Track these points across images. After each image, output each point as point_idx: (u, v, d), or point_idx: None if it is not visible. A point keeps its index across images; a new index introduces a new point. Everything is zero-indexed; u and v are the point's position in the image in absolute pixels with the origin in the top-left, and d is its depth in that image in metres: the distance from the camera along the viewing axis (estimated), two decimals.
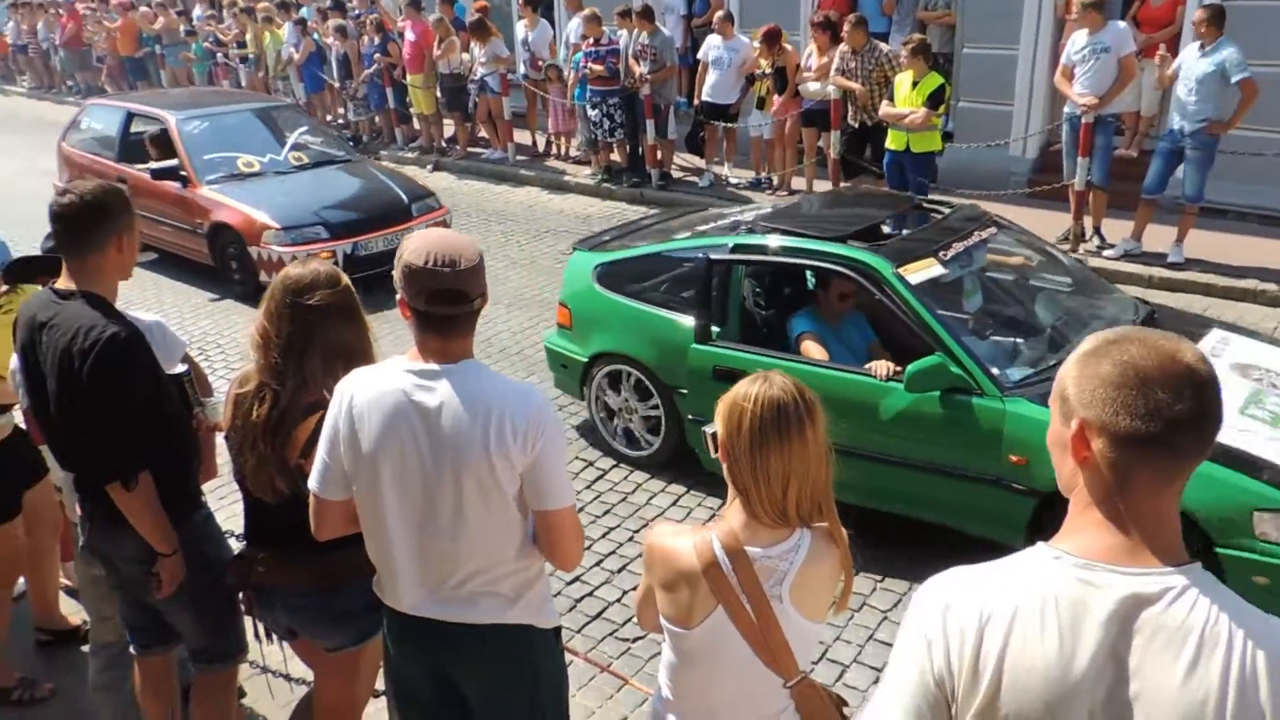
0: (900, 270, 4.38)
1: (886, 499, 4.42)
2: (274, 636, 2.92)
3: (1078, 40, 7.75)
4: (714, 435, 2.02)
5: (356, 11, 13.86)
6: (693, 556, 1.95)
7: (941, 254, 4.58)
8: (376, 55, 12.69)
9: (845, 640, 3.98)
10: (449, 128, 12.98)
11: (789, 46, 9.80)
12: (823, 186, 9.62)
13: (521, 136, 12.54)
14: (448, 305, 2.13)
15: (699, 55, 10.52)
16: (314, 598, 2.72)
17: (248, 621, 2.96)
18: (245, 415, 2.61)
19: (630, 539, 4.74)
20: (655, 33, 10.35)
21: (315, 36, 13.77)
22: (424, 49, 12.19)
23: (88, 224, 2.68)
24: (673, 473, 5.21)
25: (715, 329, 4.86)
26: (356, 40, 13.31)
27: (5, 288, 3.43)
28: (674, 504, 5.02)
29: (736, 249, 4.90)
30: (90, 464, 2.74)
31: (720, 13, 10.33)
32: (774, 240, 4.86)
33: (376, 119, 13.45)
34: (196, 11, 17.30)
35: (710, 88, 10.19)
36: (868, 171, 8.87)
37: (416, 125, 13.25)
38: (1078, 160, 7.85)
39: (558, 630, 2.45)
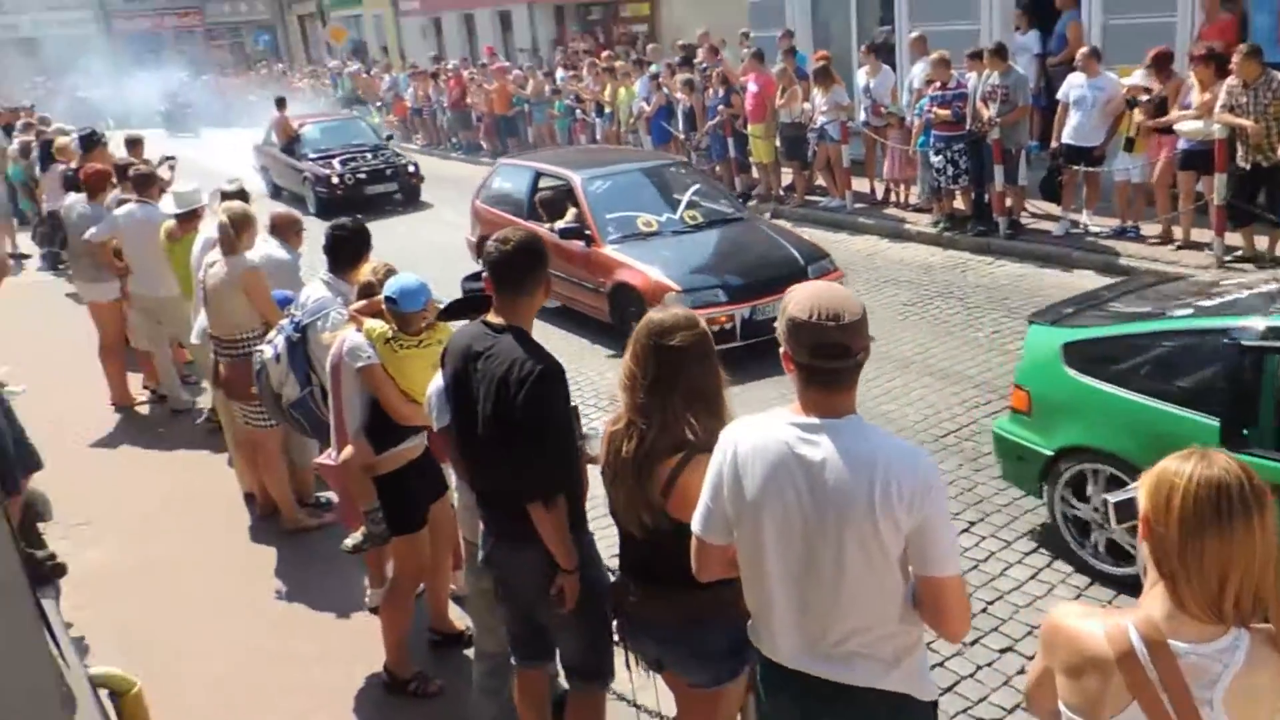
0: None
1: None
2: (642, 666, 3.07)
3: None
4: (1121, 505, 1.88)
5: (704, 65, 14.53)
6: (1104, 643, 1.80)
7: None
8: (720, 107, 13.21)
9: None
10: (787, 176, 13.20)
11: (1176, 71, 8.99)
12: (1203, 236, 8.69)
13: (860, 184, 12.47)
14: (832, 359, 2.16)
15: (1059, 95, 9.91)
16: (680, 632, 2.82)
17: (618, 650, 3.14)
18: (616, 451, 2.79)
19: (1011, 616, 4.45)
20: (1008, 72, 9.92)
21: (665, 91, 14.60)
22: (766, 99, 12.52)
23: (523, 268, 3.04)
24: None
25: (1245, 431, 3.97)
26: (702, 94, 13.96)
27: (425, 324, 3.93)
28: (1062, 582, 4.64)
29: (1274, 333, 3.95)
30: (515, 483, 3.01)
31: (1084, 49, 9.69)
32: None
33: (717, 168, 13.98)
34: (559, 74, 18.98)
35: (1071, 129, 9.56)
36: (1260, 220, 7.90)
37: (755, 174, 13.60)
38: None
39: (934, 705, 2.37)
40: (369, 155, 16.17)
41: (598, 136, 16.66)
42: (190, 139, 27.42)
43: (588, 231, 8.59)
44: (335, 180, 15.33)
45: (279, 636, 4.67)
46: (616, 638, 3.10)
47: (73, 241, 7.69)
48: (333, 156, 15.95)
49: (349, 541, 4.26)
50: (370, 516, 4.05)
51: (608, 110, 16.19)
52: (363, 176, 15.57)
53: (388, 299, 3.82)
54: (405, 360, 3.86)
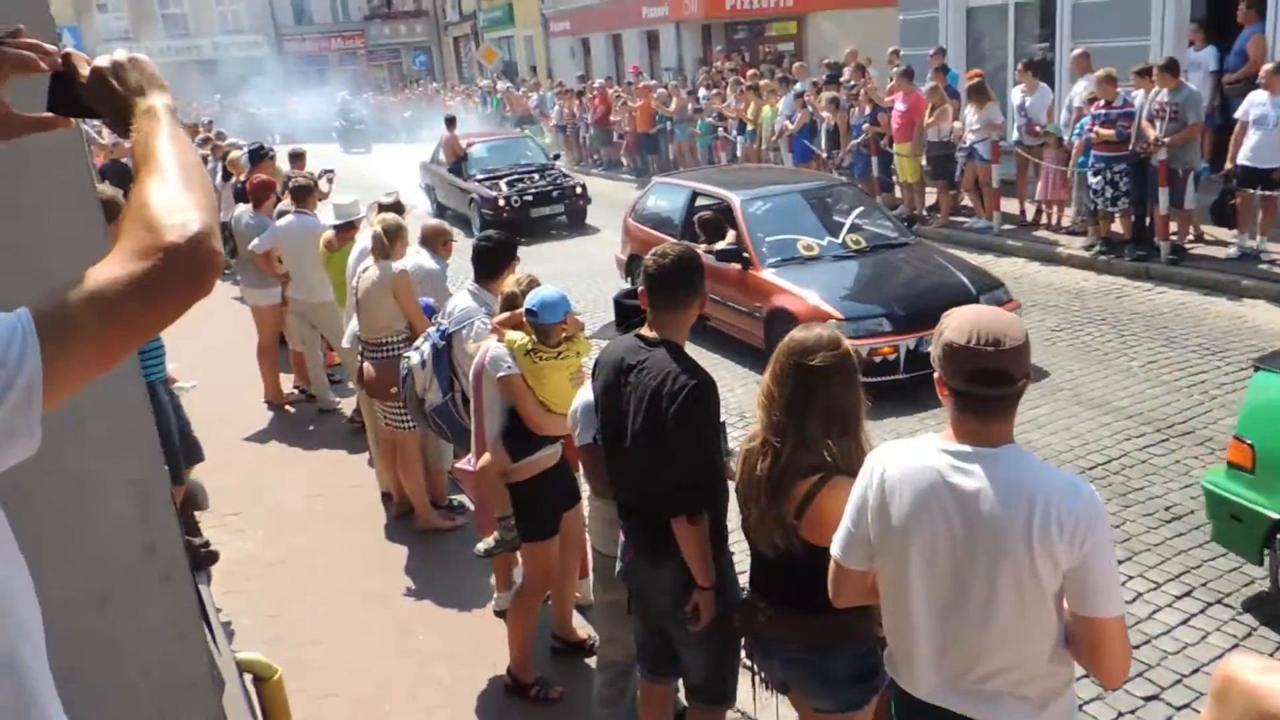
0: None
1: None
2: (768, 687, 2.99)
3: None
4: None
5: (852, 84, 14.32)
6: None
7: None
8: (866, 125, 12.97)
9: None
10: (930, 195, 12.84)
11: None
12: None
13: (1008, 205, 12.00)
14: (989, 386, 2.05)
15: (1237, 114, 9.27)
16: (807, 654, 2.75)
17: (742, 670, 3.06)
18: (751, 469, 2.73)
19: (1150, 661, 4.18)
20: (1178, 89, 9.35)
21: (810, 109, 14.45)
22: (914, 118, 12.23)
23: (680, 282, 3.02)
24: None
25: None
26: (847, 112, 13.74)
27: (565, 336, 3.96)
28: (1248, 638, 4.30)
29: None
30: (660, 497, 2.99)
31: (1268, 66, 9.04)
32: None
33: (860, 186, 13.71)
34: (701, 92, 19.05)
35: (1250, 149, 8.91)
36: None
37: (898, 194, 13.28)
38: None
39: None
40: (536, 176, 15.67)
41: (738, 154, 16.62)
42: (362, 154, 28.70)
43: (745, 254, 8.25)
44: (501, 202, 14.87)
45: (407, 633, 4.78)
46: (743, 657, 3.03)
47: (240, 249, 8.14)
48: (500, 177, 15.56)
49: (481, 546, 4.32)
50: (503, 522, 4.11)
51: (750, 128, 16.13)
52: (529, 199, 15.11)
53: (528, 311, 3.88)
54: (544, 371, 3.91)
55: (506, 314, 4.14)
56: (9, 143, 1.53)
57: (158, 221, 1.20)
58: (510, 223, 14.03)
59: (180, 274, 1.19)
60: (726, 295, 8.32)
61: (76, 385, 1.18)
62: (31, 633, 1.30)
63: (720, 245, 8.30)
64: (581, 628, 4.54)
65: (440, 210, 16.90)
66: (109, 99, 1.40)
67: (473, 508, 5.07)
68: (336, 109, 32.99)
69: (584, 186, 15.69)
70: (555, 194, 15.35)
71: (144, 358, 4.86)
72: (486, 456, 4.07)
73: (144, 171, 1.29)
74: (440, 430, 4.88)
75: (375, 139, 31.36)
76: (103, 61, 1.40)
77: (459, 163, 16.33)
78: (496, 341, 4.06)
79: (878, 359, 7.01)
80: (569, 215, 15.55)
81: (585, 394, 3.47)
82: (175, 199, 1.23)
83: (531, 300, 3.88)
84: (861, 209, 9.02)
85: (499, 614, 4.78)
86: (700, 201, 9.41)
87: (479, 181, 15.56)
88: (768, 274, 8.04)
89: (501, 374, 3.95)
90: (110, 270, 1.17)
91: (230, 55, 43.65)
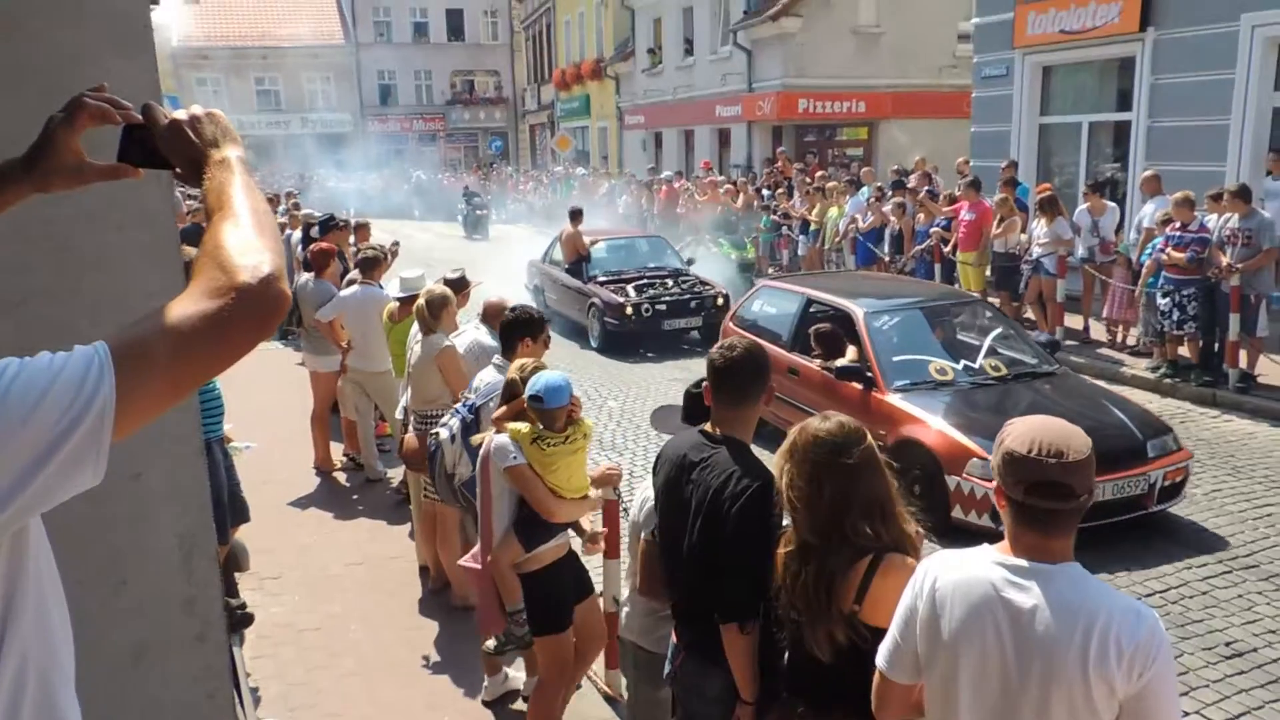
0: None
1: None
2: None
3: None
4: None
5: (925, 189, 14.44)
6: None
7: None
8: (933, 230, 13.00)
9: None
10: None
11: None
12: None
13: (1072, 321, 11.86)
14: (1048, 499, 1.99)
15: None
16: None
17: None
18: (794, 577, 2.63)
19: None
20: (1250, 215, 9.26)
21: (886, 211, 14.57)
22: (981, 227, 12.24)
23: (747, 377, 2.96)
24: None
25: None
26: (913, 218, 13.82)
27: (569, 421, 3.92)
28: None
29: None
30: (714, 600, 2.88)
31: None
32: None
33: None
34: (765, 190, 19.36)
35: None
36: None
37: None
38: None
39: None
40: (669, 282, 13.34)
41: (799, 252, 16.78)
42: (481, 241, 27.99)
43: (869, 373, 7.32)
44: (629, 311, 12.41)
45: (434, 710, 4.69)
46: None
47: (305, 316, 8.33)
48: (626, 280, 13.30)
49: (490, 643, 4.19)
50: (514, 618, 3.99)
51: (814, 228, 16.30)
52: (662, 308, 12.66)
53: (532, 398, 3.82)
54: (552, 458, 3.86)
55: (503, 408, 4.08)
56: (80, 189, 1.61)
57: (231, 262, 1.24)
58: (635, 334, 12.66)
59: (251, 313, 1.23)
60: None
61: (144, 418, 1.21)
62: (67, 674, 1.32)
63: (842, 362, 7.44)
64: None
65: (550, 316, 15.34)
66: (184, 150, 1.46)
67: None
68: (411, 186, 33.75)
69: (726, 297, 12.77)
70: (694, 304, 12.89)
71: (204, 415, 4.96)
72: (499, 547, 3.98)
73: (218, 216, 1.34)
74: (470, 506, 4.73)
75: (496, 222, 30.46)
76: (181, 114, 1.47)
77: (578, 263, 13.85)
78: (498, 434, 4.00)
79: None
80: (704, 330, 12.81)
81: (647, 490, 3.41)
82: (248, 242, 1.28)
83: (535, 386, 3.83)
84: (999, 330, 8.01)
85: (487, 704, 4.69)
86: (815, 309, 8.50)
87: (601, 284, 13.31)
88: (895, 399, 7.09)
89: (508, 464, 3.90)
90: (184, 308, 1.21)
91: (315, 133, 45.54)
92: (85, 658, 1.43)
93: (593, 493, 4.20)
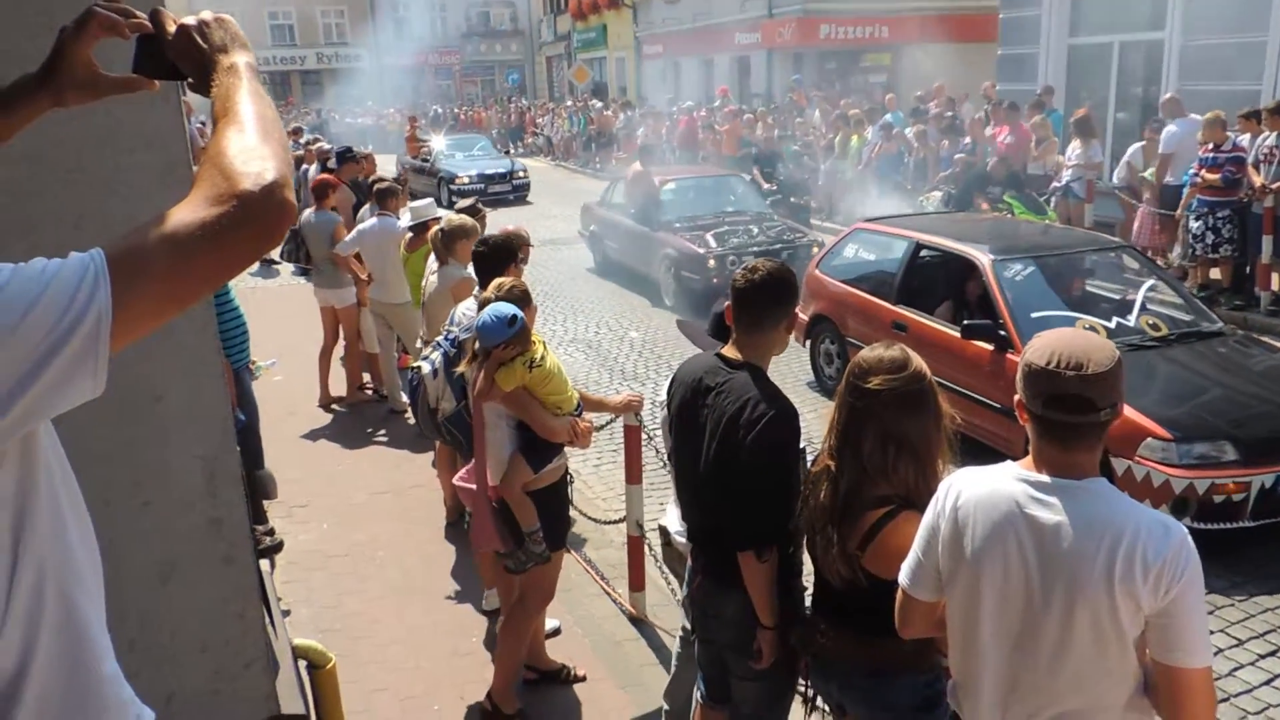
0: None
1: None
2: (824, 712, 2.89)
3: None
4: None
5: (950, 114, 14.13)
6: None
7: None
8: (957, 156, 12.75)
9: None
10: None
11: None
12: None
13: None
14: (1066, 412, 1.93)
15: None
16: (868, 680, 2.65)
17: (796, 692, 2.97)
18: (815, 496, 2.63)
19: None
20: None
21: (910, 136, 14.29)
22: (1019, 150, 12.06)
23: (769, 301, 2.87)
24: None
25: None
26: (936, 145, 13.55)
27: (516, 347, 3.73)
28: None
29: None
30: (730, 526, 2.85)
31: None
32: None
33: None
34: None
35: None
36: None
37: None
38: None
39: None
40: (754, 229, 11.37)
41: (820, 182, 16.51)
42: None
43: (1004, 331, 6.20)
44: (711, 263, 10.49)
45: (461, 634, 4.77)
46: (800, 678, 2.93)
47: (312, 249, 8.24)
48: (704, 228, 11.30)
49: (509, 563, 4.01)
50: (531, 537, 3.89)
51: (836, 156, 16.03)
52: (749, 259, 9.84)
53: (482, 334, 3.68)
54: (545, 378, 3.76)
55: (480, 372, 3.82)
56: (95, 103, 1.58)
57: (233, 169, 1.20)
58: (719, 291, 10.72)
59: (253, 221, 1.18)
60: (971, 385, 6.26)
61: (144, 328, 1.18)
62: (91, 589, 1.31)
63: (971, 321, 6.43)
64: (558, 657, 4.39)
65: (605, 268, 13.05)
66: (193, 55, 1.41)
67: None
68: (428, 121, 33.21)
69: (821, 243, 10.65)
70: (785, 254, 10.46)
71: (228, 342, 4.97)
72: (508, 470, 3.87)
73: (223, 122, 1.30)
74: (454, 440, 4.56)
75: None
76: (189, 20, 1.43)
77: (646, 208, 12.02)
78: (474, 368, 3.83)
79: (1218, 498, 5.03)
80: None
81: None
82: (251, 148, 1.24)
83: (478, 321, 3.71)
84: (1152, 283, 6.92)
85: (486, 612, 4.75)
86: (924, 255, 7.40)
87: (675, 232, 11.39)
88: None
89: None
90: (184, 214, 1.17)
91: (331, 67, 44.98)
92: (112, 577, 1.43)
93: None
